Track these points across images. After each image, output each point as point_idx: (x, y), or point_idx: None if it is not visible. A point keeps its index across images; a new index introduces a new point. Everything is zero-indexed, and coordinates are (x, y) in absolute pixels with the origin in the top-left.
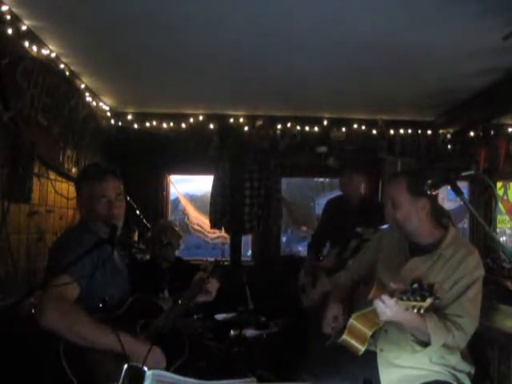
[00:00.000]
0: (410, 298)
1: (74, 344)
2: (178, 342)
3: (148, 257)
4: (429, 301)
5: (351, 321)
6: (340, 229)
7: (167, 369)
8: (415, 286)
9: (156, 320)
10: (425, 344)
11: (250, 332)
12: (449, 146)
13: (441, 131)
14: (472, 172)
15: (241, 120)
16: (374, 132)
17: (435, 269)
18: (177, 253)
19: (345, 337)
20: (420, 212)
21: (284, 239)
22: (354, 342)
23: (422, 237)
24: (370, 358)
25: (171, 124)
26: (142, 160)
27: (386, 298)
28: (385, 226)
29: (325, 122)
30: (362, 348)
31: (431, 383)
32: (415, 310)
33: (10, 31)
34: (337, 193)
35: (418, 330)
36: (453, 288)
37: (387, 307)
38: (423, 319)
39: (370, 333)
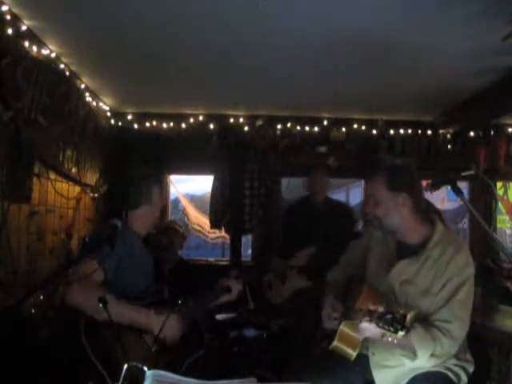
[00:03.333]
0: (385, 327)
1: (94, 326)
2: (196, 337)
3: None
4: (400, 334)
5: (341, 327)
6: (307, 231)
7: (183, 363)
8: (388, 316)
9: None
10: (413, 357)
11: (249, 332)
12: (449, 146)
13: (441, 131)
14: (472, 172)
15: (241, 120)
16: (374, 132)
17: (423, 271)
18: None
19: (336, 343)
20: (401, 208)
21: None
22: (345, 348)
23: (408, 235)
24: (368, 359)
25: (171, 124)
26: (142, 160)
27: (363, 319)
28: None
29: (325, 122)
30: (353, 353)
31: (424, 374)
32: (389, 339)
33: (10, 31)
34: (337, 193)
35: (403, 346)
36: (442, 291)
37: (366, 329)
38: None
39: (360, 338)
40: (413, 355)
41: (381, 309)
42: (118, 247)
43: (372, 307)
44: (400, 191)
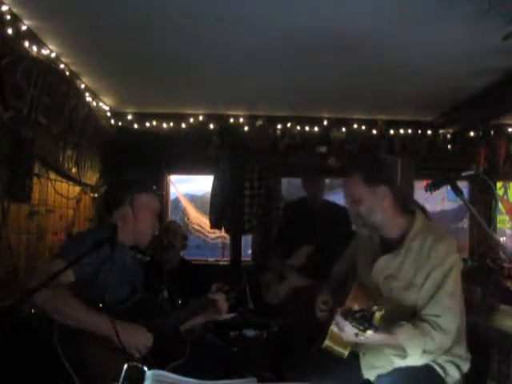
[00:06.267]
0: (357, 326)
1: (68, 331)
2: (179, 343)
3: (148, 258)
4: (369, 333)
5: (332, 327)
6: (304, 231)
7: (164, 367)
8: (358, 315)
9: (157, 321)
10: (403, 355)
11: (249, 332)
12: (449, 146)
13: (441, 131)
14: (472, 172)
15: (241, 120)
16: (374, 132)
17: (406, 264)
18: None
19: (327, 343)
20: (382, 202)
21: None
22: (336, 348)
23: (390, 228)
24: None
25: (171, 124)
26: (142, 160)
27: (339, 318)
28: None
29: (325, 122)
30: (345, 352)
31: (407, 368)
32: (362, 338)
33: (10, 31)
34: (337, 193)
35: (389, 345)
36: (426, 283)
37: (341, 328)
38: (391, 333)
39: None
40: (403, 353)
41: (356, 307)
42: (96, 251)
43: (361, 306)
44: (378, 184)
